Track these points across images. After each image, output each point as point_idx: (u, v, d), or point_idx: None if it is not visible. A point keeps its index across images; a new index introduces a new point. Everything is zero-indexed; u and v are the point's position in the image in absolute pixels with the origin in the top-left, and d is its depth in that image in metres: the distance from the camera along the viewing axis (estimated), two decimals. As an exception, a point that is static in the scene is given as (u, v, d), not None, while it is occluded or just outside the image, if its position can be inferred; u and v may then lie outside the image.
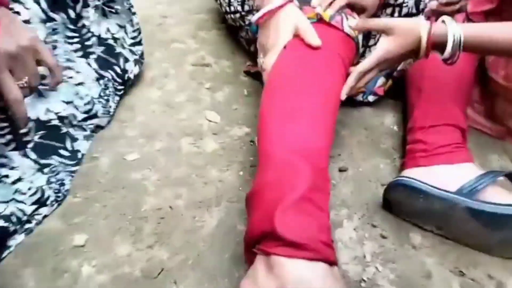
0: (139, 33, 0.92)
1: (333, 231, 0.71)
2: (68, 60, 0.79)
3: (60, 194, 0.72)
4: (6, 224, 0.66)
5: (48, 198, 0.70)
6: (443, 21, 0.67)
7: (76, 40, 0.80)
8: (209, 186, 0.76)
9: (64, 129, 0.76)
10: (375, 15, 0.96)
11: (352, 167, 0.82)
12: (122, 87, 0.91)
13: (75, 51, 0.80)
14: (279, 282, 0.52)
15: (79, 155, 0.78)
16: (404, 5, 0.91)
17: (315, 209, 0.57)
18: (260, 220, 0.57)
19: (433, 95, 0.81)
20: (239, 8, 0.93)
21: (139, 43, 0.93)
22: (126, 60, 0.90)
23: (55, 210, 0.71)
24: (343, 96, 0.70)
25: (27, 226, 0.68)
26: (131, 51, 0.92)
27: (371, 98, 0.95)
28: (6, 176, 0.68)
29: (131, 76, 0.92)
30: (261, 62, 0.76)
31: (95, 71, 0.84)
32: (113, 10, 0.85)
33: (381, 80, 0.94)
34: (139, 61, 0.94)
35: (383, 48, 0.69)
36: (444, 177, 0.71)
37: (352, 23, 0.75)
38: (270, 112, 0.67)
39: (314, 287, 0.51)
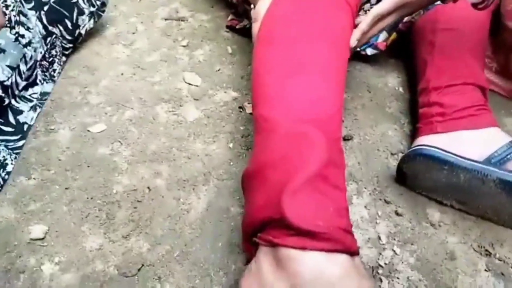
0: None
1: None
2: (20, 13, 0.64)
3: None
4: None
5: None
6: None
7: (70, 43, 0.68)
8: (193, 162, 0.64)
9: (7, 101, 0.62)
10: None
11: (358, 135, 0.71)
12: (71, 45, 0.76)
13: (28, 1, 0.65)
14: (292, 279, 0.41)
15: (25, 128, 0.64)
16: None
17: (332, 189, 0.47)
18: (264, 203, 0.46)
19: (448, 50, 0.71)
20: None
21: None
22: (81, 12, 0.75)
23: (4, 196, 0.58)
24: (353, 43, 0.59)
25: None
26: (89, 0, 0.76)
27: (369, 51, 0.84)
28: None
29: (82, 31, 0.77)
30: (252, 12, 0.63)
31: (43, 27, 0.69)
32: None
33: (383, 35, 0.82)
34: (96, 14, 0.78)
35: None
36: (468, 145, 0.61)
37: None
38: (268, 69, 0.54)
39: (337, 285, 0.41)
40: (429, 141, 0.63)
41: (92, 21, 0.78)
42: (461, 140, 0.62)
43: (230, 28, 0.89)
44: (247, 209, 0.49)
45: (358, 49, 0.82)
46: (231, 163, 0.65)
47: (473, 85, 0.67)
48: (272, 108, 0.51)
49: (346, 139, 0.70)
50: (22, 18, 0.65)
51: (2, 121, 0.62)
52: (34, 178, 0.60)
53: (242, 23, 0.87)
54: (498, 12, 0.80)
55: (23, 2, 0.67)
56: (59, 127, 0.67)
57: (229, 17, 0.91)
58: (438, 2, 0.62)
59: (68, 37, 0.75)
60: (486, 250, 0.59)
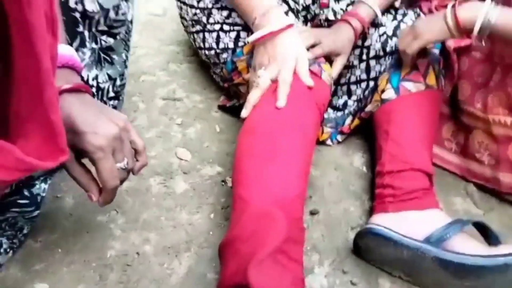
0: (124, 87, 0.88)
1: (305, 277, 0.70)
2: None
3: (15, 241, 0.68)
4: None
5: (1, 246, 0.66)
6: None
7: None
8: (178, 230, 0.75)
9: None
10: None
11: (323, 210, 0.82)
12: None
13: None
14: None
15: (39, 199, 0.74)
16: (371, 47, 0.94)
17: (290, 262, 0.57)
18: (233, 272, 0.56)
19: (399, 139, 0.82)
20: (214, 45, 0.92)
21: (117, 98, 0.88)
22: None
23: (13, 256, 0.67)
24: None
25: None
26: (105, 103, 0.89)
27: (339, 138, 0.97)
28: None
29: None
30: (259, 74, 0.75)
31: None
32: (108, 59, 0.81)
33: (349, 119, 0.95)
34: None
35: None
36: (413, 224, 0.72)
37: (325, 75, 0.77)
38: (248, 154, 0.67)
39: None
40: (380, 220, 0.74)
41: None
42: (407, 219, 0.73)
43: (222, 107, 1.02)
44: (221, 275, 0.59)
45: (330, 143, 0.96)
46: (211, 233, 0.75)
47: (420, 171, 0.79)
48: (246, 189, 0.63)
49: (312, 213, 0.81)
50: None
51: (18, 196, 0.72)
52: (40, 241, 0.70)
53: (232, 102, 1.00)
54: (454, 98, 0.93)
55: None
56: (65, 195, 0.78)
57: (221, 98, 1.04)
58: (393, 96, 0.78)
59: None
60: (428, 319, 0.68)
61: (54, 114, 0.47)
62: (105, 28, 0.78)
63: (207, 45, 0.95)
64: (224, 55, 0.91)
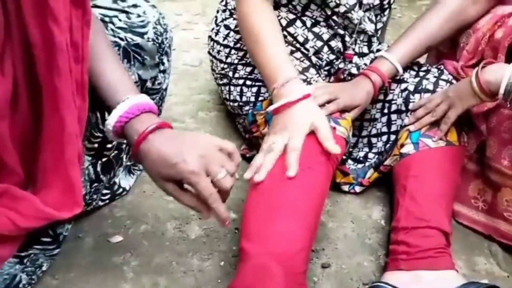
0: None
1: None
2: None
3: (34, 277, 0.71)
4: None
5: (20, 282, 0.69)
6: None
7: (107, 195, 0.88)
8: (188, 276, 0.76)
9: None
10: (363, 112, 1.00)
11: (336, 263, 0.81)
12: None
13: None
14: None
15: (61, 238, 0.79)
16: (393, 102, 0.95)
17: None
18: None
19: (416, 195, 0.81)
20: (238, 98, 0.97)
21: None
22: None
23: (32, 292, 0.71)
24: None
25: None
26: (132, 164, 0.96)
27: (358, 189, 0.96)
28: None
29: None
30: (271, 141, 0.75)
31: (94, 172, 0.85)
32: (136, 169, 0.92)
33: (370, 173, 0.95)
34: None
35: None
36: (425, 284, 0.70)
37: (341, 130, 0.79)
38: (254, 207, 0.69)
39: None
40: (392, 278, 0.73)
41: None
42: (420, 279, 0.71)
43: (242, 156, 1.05)
44: None
45: (347, 189, 0.95)
46: (219, 281, 0.76)
47: (436, 229, 0.77)
48: (249, 242, 0.64)
49: (324, 266, 0.80)
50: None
51: (43, 235, 0.77)
52: (57, 279, 0.74)
53: (252, 152, 1.02)
54: (482, 155, 0.91)
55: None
56: (86, 235, 0.82)
57: (242, 147, 1.07)
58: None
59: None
60: None
61: (73, 171, 0.53)
62: None
63: (232, 97, 1.00)
64: (246, 108, 0.95)
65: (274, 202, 0.68)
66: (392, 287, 0.69)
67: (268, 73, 0.81)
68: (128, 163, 0.94)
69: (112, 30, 0.78)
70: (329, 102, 0.83)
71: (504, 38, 0.84)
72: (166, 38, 0.85)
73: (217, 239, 0.84)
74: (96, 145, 0.81)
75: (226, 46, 1.00)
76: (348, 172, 0.95)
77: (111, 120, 0.61)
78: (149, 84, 0.85)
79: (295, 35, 0.92)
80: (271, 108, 0.79)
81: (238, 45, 0.97)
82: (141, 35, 0.80)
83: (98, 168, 0.84)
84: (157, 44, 0.83)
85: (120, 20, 0.80)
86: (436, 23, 0.91)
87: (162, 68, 0.87)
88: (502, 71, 0.73)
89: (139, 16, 0.82)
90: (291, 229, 0.66)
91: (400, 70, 0.90)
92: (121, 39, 0.78)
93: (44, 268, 0.73)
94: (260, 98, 0.92)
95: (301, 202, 0.69)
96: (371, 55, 0.99)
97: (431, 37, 0.92)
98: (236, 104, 0.99)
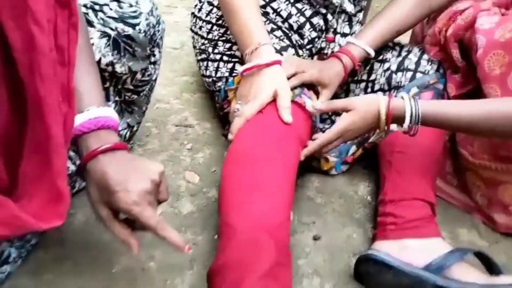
0: (137, 131, 0.94)
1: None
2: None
3: (23, 250, 0.70)
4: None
5: (9, 255, 0.68)
6: (402, 97, 0.74)
7: None
8: (183, 249, 0.77)
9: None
10: (348, 88, 1.02)
11: (326, 235, 0.83)
12: None
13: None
14: None
15: (49, 215, 0.78)
16: (376, 81, 0.98)
17: (278, 286, 0.58)
18: None
19: (401, 169, 0.84)
20: (213, 73, 0.98)
21: (129, 140, 0.94)
22: None
23: (24, 267, 0.70)
24: (302, 158, 0.76)
25: (-10, 284, 0.66)
26: None
27: (343, 168, 0.99)
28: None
29: None
30: (236, 108, 0.79)
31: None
32: (129, 110, 0.87)
33: (352, 150, 0.98)
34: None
35: (346, 120, 0.75)
36: (414, 252, 0.73)
37: (309, 105, 0.80)
38: (232, 184, 0.69)
39: None
40: (381, 246, 0.76)
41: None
42: (408, 247, 0.74)
43: (225, 136, 1.06)
44: None
45: (335, 172, 0.98)
46: (214, 253, 0.76)
47: (422, 200, 0.80)
48: (233, 217, 0.65)
49: (315, 238, 0.82)
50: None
51: None
52: (50, 253, 0.72)
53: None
54: (455, 139, 0.95)
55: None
56: (76, 212, 0.81)
57: (226, 127, 1.08)
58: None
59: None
60: None
61: (61, 182, 0.49)
62: (131, 87, 0.83)
63: (207, 73, 1.01)
64: (219, 83, 0.96)
65: (253, 177, 0.68)
66: (383, 254, 0.72)
67: (242, 41, 0.83)
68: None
69: (102, 19, 0.75)
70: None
71: (452, 35, 0.88)
72: (159, 30, 0.83)
73: (209, 214, 0.84)
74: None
75: (208, 22, 1.00)
76: (328, 155, 0.97)
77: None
78: (139, 75, 0.83)
79: (279, 10, 0.94)
80: (241, 68, 0.80)
81: (220, 21, 0.98)
82: (133, 26, 0.76)
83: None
84: (149, 36, 0.80)
85: (111, 9, 0.76)
86: (403, 10, 0.93)
87: (153, 59, 0.85)
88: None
89: (131, 6, 0.78)
90: (274, 202, 0.66)
91: (371, 52, 0.92)
92: (112, 29, 0.75)
93: (33, 242, 0.72)
94: (234, 75, 0.92)
95: (278, 177, 0.70)
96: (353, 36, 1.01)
97: (399, 23, 0.93)
98: (210, 79, 1.00)
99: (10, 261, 0.68)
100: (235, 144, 0.74)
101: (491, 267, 0.72)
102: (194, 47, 1.08)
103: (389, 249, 0.74)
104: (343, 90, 1.03)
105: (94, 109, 0.57)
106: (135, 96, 0.84)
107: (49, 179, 0.49)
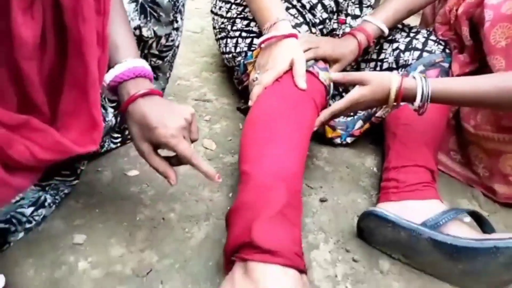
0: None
1: (310, 252, 0.78)
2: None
3: (57, 197, 0.78)
4: (7, 226, 0.72)
5: (45, 200, 0.76)
6: (413, 77, 0.79)
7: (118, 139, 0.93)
8: (200, 204, 0.84)
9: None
10: (358, 66, 1.08)
11: (332, 199, 0.90)
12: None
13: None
14: (255, 284, 0.58)
15: (79, 171, 0.85)
16: (384, 60, 1.03)
17: (289, 224, 0.65)
18: (239, 232, 0.64)
19: (405, 140, 0.90)
20: (233, 49, 1.04)
21: None
22: None
23: (58, 213, 0.78)
24: (316, 127, 0.82)
25: (27, 226, 0.74)
26: None
27: (349, 140, 1.05)
28: (10, 198, 0.73)
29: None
30: (254, 77, 0.86)
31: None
32: (154, 76, 0.94)
33: (358, 125, 1.04)
34: None
35: (357, 93, 0.81)
36: (412, 211, 0.79)
37: (322, 75, 0.86)
38: (251, 139, 0.76)
39: None
40: (383, 207, 0.81)
41: None
42: (408, 207, 0.80)
43: (239, 109, 1.13)
44: (228, 236, 0.67)
45: (339, 141, 1.04)
46: (228, 208, 0.83)
47: (424, 167, 0.86)
48: (250, 165, 0.71)
49: (322, 200, 0.89)
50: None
51: (62, 168, 0.82)
52: (80, 203, 0.80)
53: (246, 105, 1.10)
54: (458, 115, 1.00)
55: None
56: (104, 169, 0.89)
57: (242, 100, 1.15)
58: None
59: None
60: (423, 297, 0.73)
61: (96, 111, 0.57)
62: (156, 52, 0.91)
63: (227, 50, 1.07)
64: (239, 58, 1.03)
65: (269, 134, 0.74)
66: (383, 210, 0.77)
67: (261, 17, 0.89)
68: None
69: None
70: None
71: (463, 12, 0.93)
72: None
73: (225, 176, 0.91)
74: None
75: (227, 2, 1.07)
76: (335, 126, 1.03)
77: (107, 78, 0.64)
78: (163, 40, 0.90)
79: None
80: (259, 40, 0.86)
81: (238, 0, 1.04)
82: None
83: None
84: (173, 2, 0.87)
85: None
86: None
87: (175, 25, 0.93)
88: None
89: None
90: (287, 155, 0.72)
91: (385, 30, 0.98)
92: None
93: (66, 191, 0.80)
94: (252, 49, 0.99)
95: (292, 135, 0.75)
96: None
97: (411, 2, 0.99)
98: (230, 55, 1.06)
99: (45, 205, 0.77)
100: (253, 108, 0.81)
101: (485, 227, 0.77)
102: (214, 27, 1.15)
103: (390, 209, 0.80)
104: (354, 68, 1.09)
105: (131, 60, 0.65)
106: (160, 62, 0.92)
107: (85, 110, 0.58)
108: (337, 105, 0.82)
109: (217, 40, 1.14)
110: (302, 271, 0.61)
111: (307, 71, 0.83)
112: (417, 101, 0.78)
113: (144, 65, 0.67)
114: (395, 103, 0.80)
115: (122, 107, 0.65)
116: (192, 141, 0.69)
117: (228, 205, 0.84)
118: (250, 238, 0.61)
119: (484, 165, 0.95)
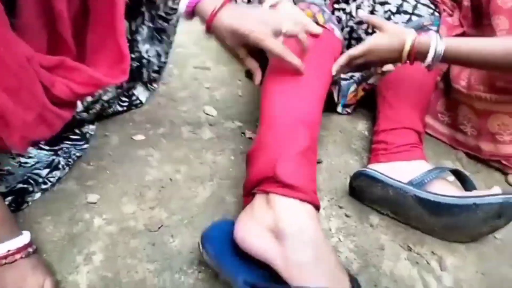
0: (165, 65, 1.05)
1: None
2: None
3: (70, 160, 0.84)
4: (25, 186, 0.78)
5: (59, 162, 0.82)
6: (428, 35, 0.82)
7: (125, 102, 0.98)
8: (204, 166, 0.90)
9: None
10: (351, 29, 1.11)
11: (326, 160, 0.96)
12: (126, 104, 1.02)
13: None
14: (275, 215, 0.63)
15: (87, 136, 0.90)
16: None
17: (309, 164, 0.70)
18: (262, 168, 0.69)
19: (394, 103, 0.96)
20: None
21: (159, 72, 1.05)
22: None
23: (71, 174, 0.83)
24: (333, 72, 0.85)
25: (43, 186, 0.80)
26: (149, 81, 1.04)
27: (349, 110, 1.10)
28: (26, 163, 0.79)
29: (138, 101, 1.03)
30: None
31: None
32: (159, 38, 0.98)
33: (352, 88, 1.09)
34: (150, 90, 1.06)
35: (373, 40, 0.85)
36: (400, 171, 0.85)
37: (337, 32, 0.89)
38: (274, 85, 0.78)
39: (303, 223, 0.63)
40: (373, 167, 0.88)
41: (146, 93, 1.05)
42: (395, 167, 0.86)
43: (247, 73, 1.17)
44: (249, 172, 0.72)
45: (340, 110, 1.09)
46: (231, 169, 0.90)
47: (411, 129, 0.92)
48: (275, 110, 0.74)
49: (317, 162, 0.95)
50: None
51: (70, 132, 0.88)
52: (91, 165, 0.86)
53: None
54: (447, 76, 1.06)
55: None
56: (111, 134, 0.94)
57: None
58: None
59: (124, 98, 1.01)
60: (408, 247, 0.81)
61: (123, 42, 0.63)
62: (163, 14, 0.95)
63: None
64: None
65: (294, 83, 0.77)
66: (373, 170, 0.84)
67: None
68: (146, 79, 1.04)
69: None
70: None
71: None
72: None
73: (226, 139, 0.97)
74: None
75: None
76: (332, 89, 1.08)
77: (182, 5, 0.73)
78: (170, 2, 0.94)
79: None
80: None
81: None
82: None
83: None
84: None
85: None
86: None
87: None
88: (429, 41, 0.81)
89: None
90: (310, 104, 0.76)
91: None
92: None
93: (78, 154, 0.86)
94: None
95: (315, 85, 0.79)
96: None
97: None
98: None
99: (59, 167, 0.82)
100: (273, 62, 0.81)
101: (466, 185, 0.84)
102: None
103: (379, 169, 0.86)
104: (348, 33, 1.12)
105: None
106: (166, 24, 0.95)
107: (113, 41, 0.64)
108: (354, 50, 0.86)
109: None
110: (317, 207, 0.67)
111: (323, 26, 0.85)
112: (429, 58, 0.81)
113: None
114: (407, 61, 0.84)
115: (207, 26, 0.73)
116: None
117: (231, 167, 0.90)
118: (273, 172, 0.65)
119: (473, 125, 1.01)
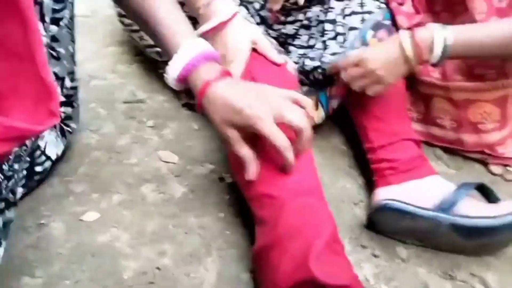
0: (76, 92, 0.79)
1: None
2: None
3: None
4: None
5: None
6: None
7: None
8: (192, 236, 0.69)
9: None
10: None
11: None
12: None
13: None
14: None
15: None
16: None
17: (341, 248, 0.58)
18: (290, 271, 0.54)
19: (380, 114, 0.85)
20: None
21: (70, 103, 0.77)
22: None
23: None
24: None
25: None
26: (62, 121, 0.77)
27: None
28: None
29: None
30: None
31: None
32: (54, 54, 0.70)
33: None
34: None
35: (366, 50, 0.77)
36: (417, 192, 0.75)
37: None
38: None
39: None
40: (388, 193, 0.76)
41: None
42: (411, 189, 0.76)
43: (187, 105, 0.96)
44: (271, 278, 0.56)
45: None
46: (228, 232, 0.70)
47: (410, 140, 0.82)
48: (272, 186, 0.60)
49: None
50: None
51: None
52: (39, 277, 0.59)
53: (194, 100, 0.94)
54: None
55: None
56: (49, 220, 0.67)
57: (182, 96, 0.98)
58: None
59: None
60: (450, 275, 0.71)
61: (48, 76, 0.43)
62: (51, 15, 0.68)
63: (147, 43, 0.92)
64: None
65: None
66: (398, 201, 0.72)
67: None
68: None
69: None
70: None
71: None
72: None
73: (204, 192, 0.77)
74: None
75: None
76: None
77: (175, 69, 0.60)
78: None
79: None
80: (201, 30, 0.72)
81: None
82: None
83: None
84: None
85: None
86: None
87: None
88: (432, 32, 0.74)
89: None
90: (301, 172, 0.62)
91: None
92: None
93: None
94: None
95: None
96: None
97: None
98: (153, 50, 0.92)
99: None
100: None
101: (489, 196, 0.77)
102: (124, 16, 0.95)
103: (396, 195, 0.75)
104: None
105: (193, 41, 0.61)
106: (55, 28, 0.69)
107: (33, 79, 0.44)
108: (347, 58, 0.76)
109: (133, 31, 0.94)
110: None
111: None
112: (437, 52, 0.72)
113: (209, 47, 0.62)
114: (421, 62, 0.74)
115: (199, 96, 0.59)
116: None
117: (225, 228, 0.71)
118: (310, 276, 0.52)
119: (451, 117, 0.95)
